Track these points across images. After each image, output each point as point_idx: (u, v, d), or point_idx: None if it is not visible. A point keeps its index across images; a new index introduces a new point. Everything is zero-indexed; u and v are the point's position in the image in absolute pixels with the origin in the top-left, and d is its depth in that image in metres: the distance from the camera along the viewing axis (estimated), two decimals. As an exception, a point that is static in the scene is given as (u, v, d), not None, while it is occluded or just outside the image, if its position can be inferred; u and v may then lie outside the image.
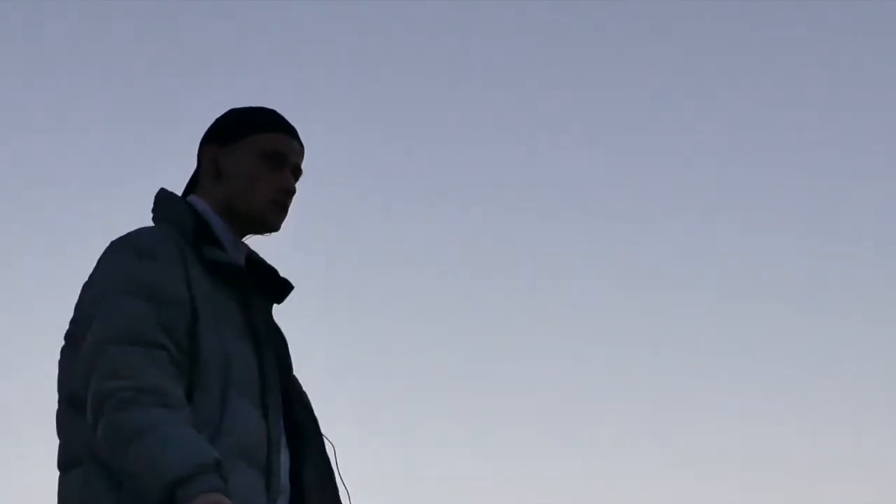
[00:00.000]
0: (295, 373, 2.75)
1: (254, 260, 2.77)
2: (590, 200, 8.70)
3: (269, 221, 2.72)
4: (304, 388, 2.74)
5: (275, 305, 2.82)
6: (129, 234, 2.56)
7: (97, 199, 8.23)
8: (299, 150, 2.77)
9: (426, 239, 8.60)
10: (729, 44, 8.70)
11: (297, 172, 2.77)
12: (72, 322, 2.55)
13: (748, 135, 8.69)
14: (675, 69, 8.76)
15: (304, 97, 8.53)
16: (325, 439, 2.68)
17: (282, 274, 2.76)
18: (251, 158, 2.72)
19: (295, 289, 2.77)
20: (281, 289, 2.76)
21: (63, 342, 2.55)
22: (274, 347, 2.68)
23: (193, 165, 2.83)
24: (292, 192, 2.73)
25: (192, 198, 2.74)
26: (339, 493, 2.66)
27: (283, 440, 2.61)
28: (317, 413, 2.73)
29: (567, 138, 8.57)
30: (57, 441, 2.51)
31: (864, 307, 8.72)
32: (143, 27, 8.49)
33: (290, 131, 2.77)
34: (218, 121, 2.77)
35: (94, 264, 2.58)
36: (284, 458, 2.60)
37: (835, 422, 8.57)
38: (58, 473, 2.47)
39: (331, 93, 8.51)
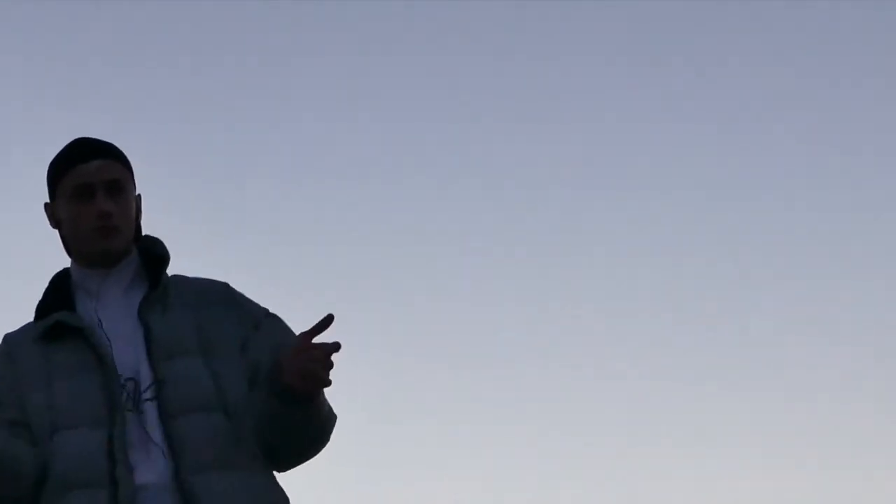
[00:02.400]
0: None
1: (146, 256, 2.93)
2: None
3: (99, 248, 2.87)
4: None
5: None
6: None
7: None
8: (101, 167, 2.88)
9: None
10: None
11: (111, 186, 2.88)
12: None
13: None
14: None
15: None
16: (212, 414, 2.79)
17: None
18: (66, 203, 2.90)
19: (167, 264, 2.92)
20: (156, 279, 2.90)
21: None
22: (129, 356, 2.83)
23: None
24: (109, 212, 2.85)
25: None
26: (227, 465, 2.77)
27: (151, 441, 2.76)
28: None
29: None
30: None
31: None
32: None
33: (83, 157, 2.89)
34: (46, 176, 2.98)
35: None
36: (147, 459, 2.75)
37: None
38: None
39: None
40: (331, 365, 2.64)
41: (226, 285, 2.97)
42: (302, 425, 2.75)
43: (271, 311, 2.96)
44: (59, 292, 2.92)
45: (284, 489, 2.89)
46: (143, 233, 3.02)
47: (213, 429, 2.77)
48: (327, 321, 2.66)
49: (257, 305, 2.96)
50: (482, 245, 8.48)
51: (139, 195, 2.99)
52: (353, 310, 8.22)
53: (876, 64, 8.56)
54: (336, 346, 2.63)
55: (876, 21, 8.56)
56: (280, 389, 2.69)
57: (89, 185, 2.87)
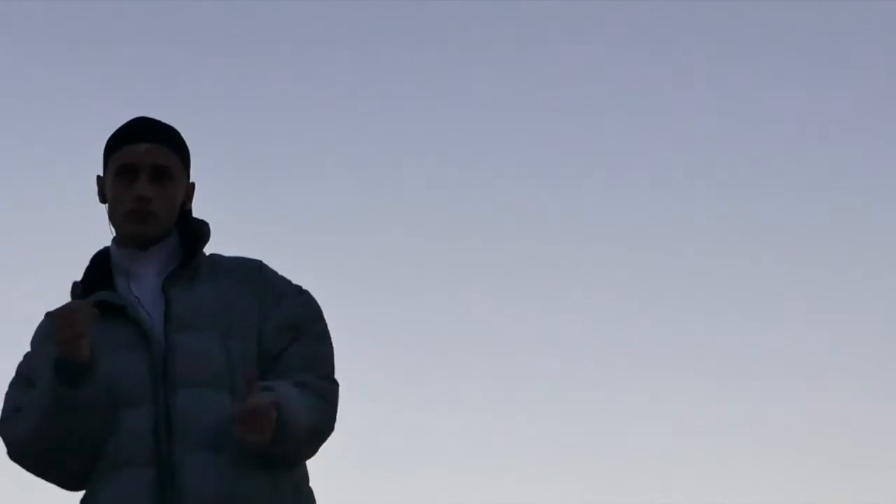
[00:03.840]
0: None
1: (186, 234, 2.91)
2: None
3: (131, 232, 2.86)
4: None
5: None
6: None
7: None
8: (149, 150, 2.86)
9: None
10: None
11: (157, 171, 2.86)
12: None
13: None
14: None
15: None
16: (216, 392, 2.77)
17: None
18: (111, 180, 2.89)
19: (206, 242, 2.90)
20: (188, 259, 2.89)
21: None
22: (170, 333, 2.80)
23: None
24: (147, 197, 2.83)
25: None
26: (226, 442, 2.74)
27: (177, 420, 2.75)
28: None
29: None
30: None
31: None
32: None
33: (135, 138, 2.87)
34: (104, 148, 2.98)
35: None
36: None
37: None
38: None
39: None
40: (266, 423, 2.63)
41: (259, 263, 2.93)
42: (277, 454, 2.74)
43: (304, 288, 2.93)
44: (98, 271, 2.90)
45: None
46: (209, 226, 2.99)
47: (215, 406, 2.74)
48: (251, 379, 2.65)
49: (288, 283, 2.92)
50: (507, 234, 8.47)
51: (192, 183, 2.96)
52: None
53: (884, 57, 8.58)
54: (261, 408, 2.62)
55: (876, 15, 8.58)
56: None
57: (134, 167, 2.84)
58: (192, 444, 2.71)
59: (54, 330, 2.70)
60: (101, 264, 2.92)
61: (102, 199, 2.93)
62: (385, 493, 7.85)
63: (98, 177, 2.95)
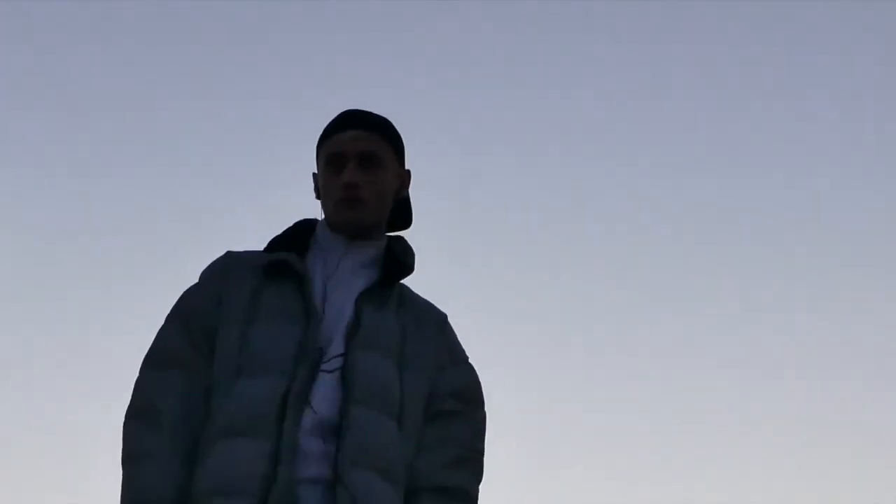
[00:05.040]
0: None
1: (391, 255, 2.87)
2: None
3: (341, 220, 2.82)
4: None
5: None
6: None
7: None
8: (356, 137, 2.83)
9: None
10: None
11: (364, 158, 2.83)
12: None
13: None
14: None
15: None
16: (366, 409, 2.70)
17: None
18: (321, 170, 2.87)
19: (408, 274, 2.87)
20: (392, 275, 2.85)
21: None
22: (337, 322, 2.75)
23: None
24: (354, 183, 2.80)
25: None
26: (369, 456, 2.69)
27: (309, 407, 2.67)
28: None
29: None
30: None
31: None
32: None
33: (344, 126, 2.85)
34: None
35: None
36: (312, 420, 2.66)
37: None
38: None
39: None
40: None
41: (445, 317, 2.91)
42: None
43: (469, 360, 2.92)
44: (297, 236, 2.87)
45: None
46: (413, 214, 3.00)
47: (386, 433, 2.69)
48: None
49: (462, 349, 2.91)
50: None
51: (408, 171, 2.93)
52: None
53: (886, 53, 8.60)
54: None
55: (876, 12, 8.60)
56: None
57: (341, 155, 2.82)
58: (365, 465, 2.66)
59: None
60: (301, 231, 2.89)
61: (318, 195, 2.90)
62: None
63: (314, 174, 2.93)
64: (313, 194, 2.94)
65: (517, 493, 8.27)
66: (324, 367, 2.70)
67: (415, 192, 8.60)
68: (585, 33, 8.82)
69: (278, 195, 8.53)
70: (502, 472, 8.40)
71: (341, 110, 2.90)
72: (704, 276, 8.77)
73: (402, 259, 2.87)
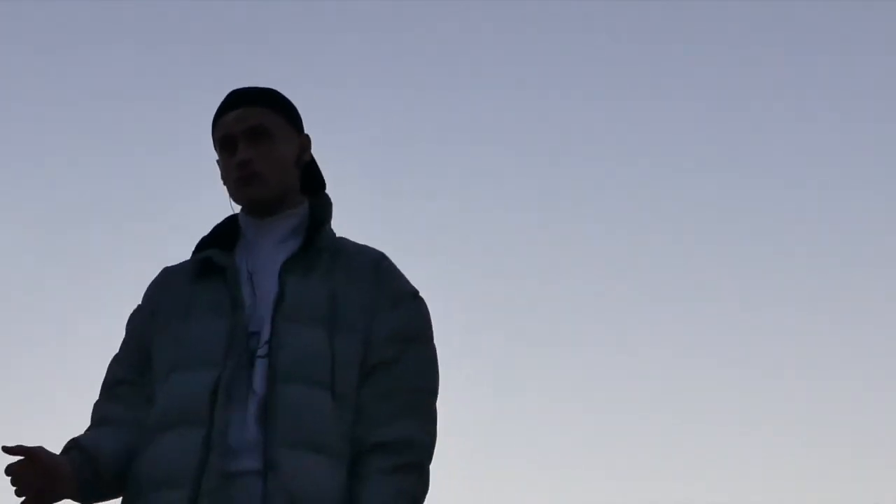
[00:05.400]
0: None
1: (313, 221, 2.83)
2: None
3: (243, 199, 2.80)
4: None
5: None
6: None
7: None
8: (240, 115, 2.80)
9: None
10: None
11: (253, 133, 2.80)
12: None
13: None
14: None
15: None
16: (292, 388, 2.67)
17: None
18: (219, 157, 2.87)
19: (322, 227, 2.81)
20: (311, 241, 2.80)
21: None
22: (261, 307, 2.73)
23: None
24: (247, 160, 2.77)
25: None
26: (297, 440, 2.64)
27: (253, 393, 2.66)
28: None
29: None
30: None
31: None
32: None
33: (228, 107, 2.82)
34: None
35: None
36: (244, 417, 2.64)
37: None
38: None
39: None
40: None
41: (379, 257, 2.83)
42: None
43: (420, 294, 2.83)
44: (224, 232, 2.88)
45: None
46: (324, 177, 2.95)
47: (318, 407, 2.64)
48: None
49: (406, 284, 2.81)
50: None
51: (306, 136, 2.88)
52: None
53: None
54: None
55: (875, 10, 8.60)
56: None
57: (230, 137, 2.80)
58: (293, 443, 2.61)
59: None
60: (228, 225, 2.90)
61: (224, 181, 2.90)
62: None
63: (217, 161, 2.91)
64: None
65: (517, 493, 8.25)
66: (259, 352, 2.68)
67: (415, 192, 8.59)
68: (585, 33, 8.81)
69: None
70: (502, 471, 8.39)
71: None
72: (704, 276, 8.76)
73: (316, 216, 2.83)
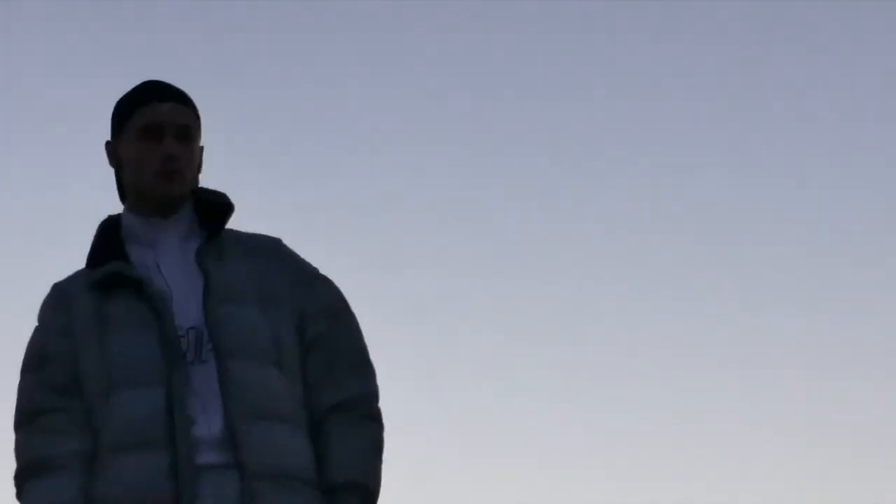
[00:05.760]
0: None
1: (206, 206, 2.83)
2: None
3: (160, 192, 2.77)
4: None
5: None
6: None
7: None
8: (175, 109, 2.78)
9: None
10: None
11: (182, 131, 2.78)
12: None
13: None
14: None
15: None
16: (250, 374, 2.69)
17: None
18: (132, 140, 2.79)
19: (230, 211, 2.81)
20: (218, 225, 2.81)
21: None
22: (192, 305, 2.73)
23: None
24: (174, 156, 2.75)
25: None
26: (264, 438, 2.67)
27: (213, 398, 2.66)
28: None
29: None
30: None
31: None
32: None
33: (158, 97, 2.79)
34: (112, 113, 2.87)
35: None
36: (206, 410, 2.65)
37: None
38: None
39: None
40: None
41: (279, 241, 2.87)
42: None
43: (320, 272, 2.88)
44: (109, 241, 2.80)
45: None
46: (201, 186, 2.90)
47: (267, 378, 2.68)
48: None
49: (309, 264, 2.86)
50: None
51: (202, 147, 2.87)
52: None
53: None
54: None
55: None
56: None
57: (159, 126, 2.77)
58: (255, 417, 2.64)
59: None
60: (110, 233, 2.83)
61: (115, 165, 2.84)
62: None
63: (107, 143, 2.86)
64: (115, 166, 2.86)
65: (517, 493, 8.25)
66: (208, 345, 2.68)
67: (414, 192, 8.60)
68: (585, 33, 8.82)
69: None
70: (502, 471, 8.40)
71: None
72: (704, 276, 8.76)
73: (221, 202, 2.83)
